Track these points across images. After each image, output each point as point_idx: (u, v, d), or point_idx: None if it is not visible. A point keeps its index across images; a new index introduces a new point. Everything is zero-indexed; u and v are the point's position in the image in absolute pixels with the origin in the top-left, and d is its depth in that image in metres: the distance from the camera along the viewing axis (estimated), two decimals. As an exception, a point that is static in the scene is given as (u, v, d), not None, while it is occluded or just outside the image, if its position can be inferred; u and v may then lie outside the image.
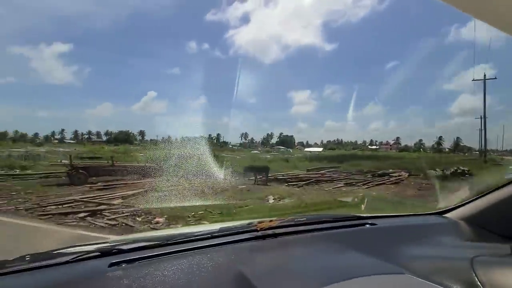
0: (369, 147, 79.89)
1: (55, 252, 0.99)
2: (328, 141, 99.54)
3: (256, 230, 1.17)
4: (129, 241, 1.07)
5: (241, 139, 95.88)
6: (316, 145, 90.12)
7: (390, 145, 76.59)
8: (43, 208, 7.24)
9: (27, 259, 0.93)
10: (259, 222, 1.21)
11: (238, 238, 1.13)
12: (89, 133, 73.84)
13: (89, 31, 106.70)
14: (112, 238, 1.33)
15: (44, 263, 0.89)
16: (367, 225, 1.38)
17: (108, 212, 7.07)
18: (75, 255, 0.92)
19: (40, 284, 0.81)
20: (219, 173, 16.45)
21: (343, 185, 12.46)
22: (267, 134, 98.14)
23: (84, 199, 8.12)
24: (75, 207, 7.57)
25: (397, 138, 78.53)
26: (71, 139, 69.58)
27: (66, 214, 6.78)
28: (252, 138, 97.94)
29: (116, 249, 0.98)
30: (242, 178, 12.98)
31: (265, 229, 1.17)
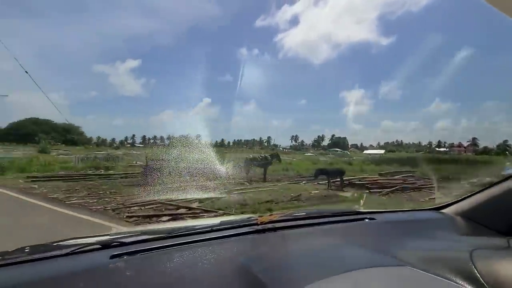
0: (437, 149, 70.50)
1: (55, 244, 0.97)
2: (386, 143, 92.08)
3: (256, 224, 1.17)
4: (130, 233, 1.05)
5: (291, 141, 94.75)
6: (371, 147, 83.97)
7: (465, 147, 66.14)
8: (128, 209, 7.28)
9: (26, 250, 0.92)
10: (260, 216, 1.22)
11: (239, 231, 1.12)
12: (154, 137, 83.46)
13: (154, 47, 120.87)
14: (114, 231, 1.26)
15: (44, 254, 0.88)
16: (366, 220, 1.38)
17: (188, 216, 6.81)
18: (75, 247, 0.92)
19: (40, 275, 0.79)
20: (286, 176, 15.77)
21: (441, 195, 10.34)
22: (318, 136, 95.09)
23: (164, 201, 8.06)
24: (156, 209, 7.49)
25: (473, 139, 67.78)
26: (140, 143, 78.38)
27: (150, 217, 6.66)
28: (302, 140, 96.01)
29: (117, 241, 0.97)
30: (312, 182, 11.94)
31: (266, 223, 1.18)
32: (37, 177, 12.19)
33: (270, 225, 1.18)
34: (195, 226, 1.15)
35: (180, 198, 8.74)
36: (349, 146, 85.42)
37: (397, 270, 0.83)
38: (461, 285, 0.76)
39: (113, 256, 0.88)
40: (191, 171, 14.17)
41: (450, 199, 1.54)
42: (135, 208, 7.46)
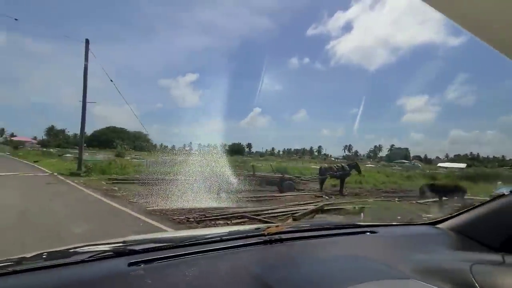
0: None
1: (71, 250, 0.96)
2: (457, 155, 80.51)
3: (263, 235, 1.18)
4: (142, 241, 1.07)
5: (344, 151, 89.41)
6: (438, 159, 74.13)
7: None
8: (213, 222, 6.48)
9: (44, 256, 0.91)
10: (267, 228, 1.24)
11: (247, 242, 1.14)
12: (209, 145, 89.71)
13: (209, 60, 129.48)
14: (128, 238, 1.07)
15: (62, 261, 0.89)
16: (368, 233, 1.41)
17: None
18: (91, 254, 0.92)
19: (58, 282, 0.79)
20: (363, 189, 13.80)
21: None
22: (375, 146, 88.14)
23: (249, 214, 7.10)
24: (244, 223, 6.54)
25: None
26: (196, 150, 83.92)
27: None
28: (356, 150, 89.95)
29: (130, 249, 0.97)
30: (415, 201, 9.83)
31: (273, 234, 1.19)
32: (116, 179, 12.65)
33: (277, 236, 1.19)
34: (204, 235, 1.16)
35: (264, 210, 7.73)
36: (410, 157, 77.03)
37: (403, 283, 0.86)
38: None
39: (130, 264, 0.88)
40: (258, 179, 13.37)
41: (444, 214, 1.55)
42: (221, 222, 6.61)
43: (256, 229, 1.25)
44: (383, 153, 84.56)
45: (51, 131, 69.44)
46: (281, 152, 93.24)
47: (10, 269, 0.81)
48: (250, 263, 0.98)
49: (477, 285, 0.82)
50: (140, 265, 0.88)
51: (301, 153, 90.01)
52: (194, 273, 0.88)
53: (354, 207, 8.51)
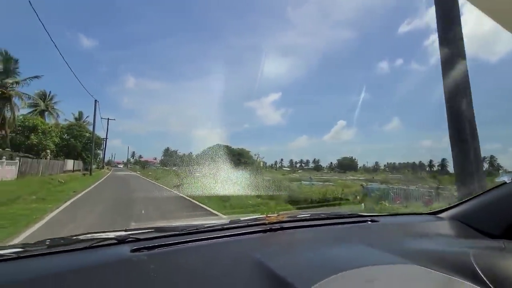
0: None
1: (74, 237, 1.00)
2: None
3: (264, 224, 1.20)
4: (144, 229, 1.08)
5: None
6: None
7: None
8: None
9: (47, 243, 0.94)
10: (268, 216, 1.25)
11: (249, 230, 1.15)
12: (301, 161, 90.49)
13: (291, 80, 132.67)
14: (131, 227, 1.10)
15: (64, 247, 0.91)
16: (369, 222, 1.42)
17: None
18: (94, 241, 0.94)
19: (62, 267, 0.80)
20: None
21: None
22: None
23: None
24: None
25: None
26: (287, 166, 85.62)
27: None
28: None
29: (133, 237, 0.99)
30: None
31: (273, 223, 1.20)
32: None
33: (277, 225, 1.20)
34: (205, 224, 1.17)
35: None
36: None
37: (405, 268, 0.86)
38: (466, 283, 0.78)
39: (133, 250, 0.90)
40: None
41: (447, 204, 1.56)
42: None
43: (256, 218, 1.26)
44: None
45: (167, 152, 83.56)
46: (379, 166, 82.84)
47: (14, 255, 0.84)
48: (252, 251, 0.98)
49: (478, 270, 0.83)
50: (142, 251, 0.90)
51: (408, 167, 77.63)
52: (196, 259, 0.90)
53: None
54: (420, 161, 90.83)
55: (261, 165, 27.54)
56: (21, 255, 0.84)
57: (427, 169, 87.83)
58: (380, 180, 18.94)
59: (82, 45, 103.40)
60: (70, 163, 29.33)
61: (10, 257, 0.82)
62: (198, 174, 17.95)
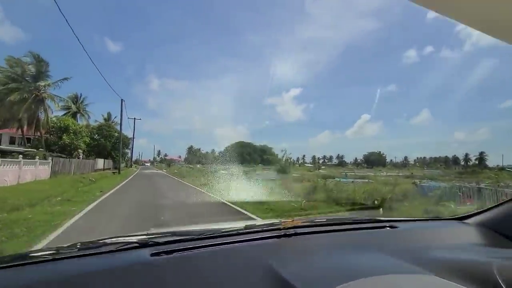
0: None
1: (101, 241, 1.04)
2: None
3: (279, 229, 1.19)
4: (163, 234, 1.12)
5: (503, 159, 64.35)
6: None
7: None
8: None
9: (78, 246, 1.00)
10: (283, 221, 1.23)
11: (263, 235, 1.15)
12: (324, 157, 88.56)
13: (312, 74, 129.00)
14: (151, 231, 1.13)
15: (92, 251, 0.97)
16: (387, 228, 1.37)
17: None
18: (119, 245, 1.00)
19: (89, 270, 0.86)
20: None
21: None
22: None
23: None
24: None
25: None
26: (310, 163, 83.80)
27: None
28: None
29: (153, 241, 1.04)
30: None
31: (288, 228, 1.19)
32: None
33: (292, 230, 1.18)
34: (221, 229, 1.18)
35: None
36: None
37: (422, 278, 0.83)
38: None
39: (153, 254, 0.94)
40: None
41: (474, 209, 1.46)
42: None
43: (272, 223, 1.24)
44: None
45: (190, 150, 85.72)
46: (409, 161, 78.06)
47: (49, 257, 0.91)
48: (266, 256, 0.98)
49: (500, 282, 0.79)
50: (161, 255, 0.94)
51: (438, 162, 72.40)
52: (211, 264, 0.92)
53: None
54: (454, 155, 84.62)
55: (288, 161, 26.33)
56: (56, 257, 0.92)
57: (462, 163, 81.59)
58: (419, 176, 17.10)
59: (109, 48, 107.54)
60: (100, 162, 30.19)
61: (46, 259, 0.91)
62: (223, 172, 17.29)
